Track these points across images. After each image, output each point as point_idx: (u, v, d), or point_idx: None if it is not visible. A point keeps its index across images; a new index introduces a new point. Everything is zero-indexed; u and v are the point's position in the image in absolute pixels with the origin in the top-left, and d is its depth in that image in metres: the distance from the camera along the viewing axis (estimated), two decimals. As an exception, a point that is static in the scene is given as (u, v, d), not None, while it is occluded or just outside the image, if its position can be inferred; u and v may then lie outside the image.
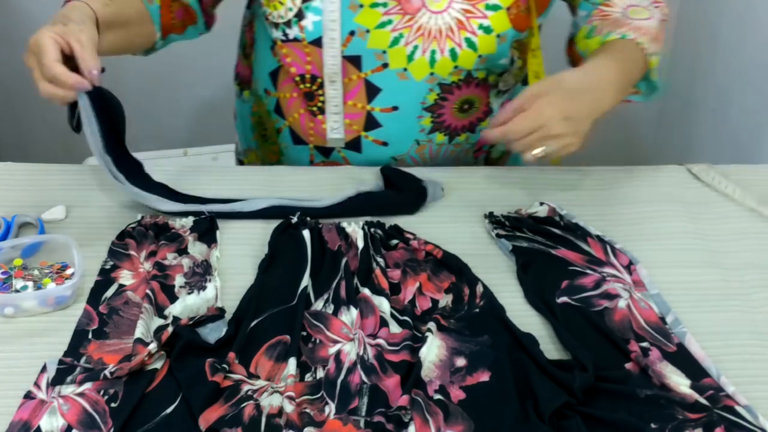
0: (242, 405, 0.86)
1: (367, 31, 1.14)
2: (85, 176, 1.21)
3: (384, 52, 1.16)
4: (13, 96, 2.25)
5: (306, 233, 1.07)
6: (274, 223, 1.10)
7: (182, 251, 1.07)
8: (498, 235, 1.11)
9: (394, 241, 1.09)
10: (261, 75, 1.29)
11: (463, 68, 1.18)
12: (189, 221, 1.11)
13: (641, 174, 1.26)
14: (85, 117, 1.03)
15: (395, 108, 1.20)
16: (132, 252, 1.06)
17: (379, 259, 1.05)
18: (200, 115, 2.29)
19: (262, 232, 1.10)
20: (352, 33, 1.14)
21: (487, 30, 1.15)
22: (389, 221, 1.12)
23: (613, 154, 2.37)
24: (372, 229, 1.09)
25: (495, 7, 1.14)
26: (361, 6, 1.13)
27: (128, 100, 2.47)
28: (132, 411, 0.86)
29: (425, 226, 1.13)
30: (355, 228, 1.10)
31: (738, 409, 0.88)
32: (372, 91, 1.18)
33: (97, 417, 0.86)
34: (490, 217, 1.14)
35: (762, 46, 1.74)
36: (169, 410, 0.87)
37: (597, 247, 1.09)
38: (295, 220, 1.10)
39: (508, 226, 1.13)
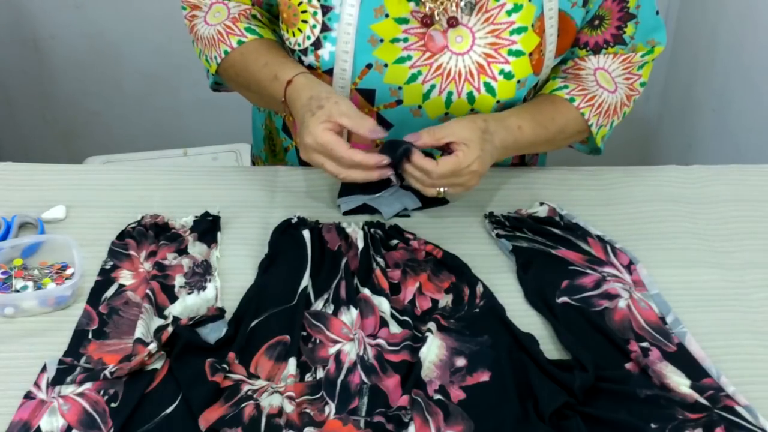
0: (242, 405, 0.86)
1: (386, 65, 1.12)
2: (85, 176, 1.21)
3: (400, 88, 1.13)
4: (13, 96, 2.24)
5: (306, 233, 1.07)
6: (273, 224, 1.10)
7: (182, 251, 1.07)
8: (498, 235, 1.11)
9: (394, 241, 1.09)
10: None
11: (480, 112, 1.14)
12: (189, 221, 1.11)
13: (641, 174, 1.25)
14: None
15: None
16: (132, 252, 1.06)
17: (379, 259, 1.05)
18: (200, 115, 2.28)
19: (262, 232, 1.10)
20: (369, 66, 1.12)
21: (508, 76, 1.12)
22: (390, 221, 1.12)
23: (614, 154, 2.38)
24: (372, 229, 1.09)
25: (518, 53, 1.11)
26: (382, 40, 1.11)
27: (128, 100, 2.47)
28: (132, 411, 0.86)
29: (425, 226, 1.13)
30: (355, 228, 1.10)
31: (738, 409, 0.88)
32: (383, 126, 1.11)
33: (97, 417, 0.86)
34: (490, 217, 1.14)
35: (762, 46, 1.74)
36: (169, 410, 0.87)
37: (597, 247, 1.09)
38: (294, 220, 1.10)
39: (508, 226, 1.13)
